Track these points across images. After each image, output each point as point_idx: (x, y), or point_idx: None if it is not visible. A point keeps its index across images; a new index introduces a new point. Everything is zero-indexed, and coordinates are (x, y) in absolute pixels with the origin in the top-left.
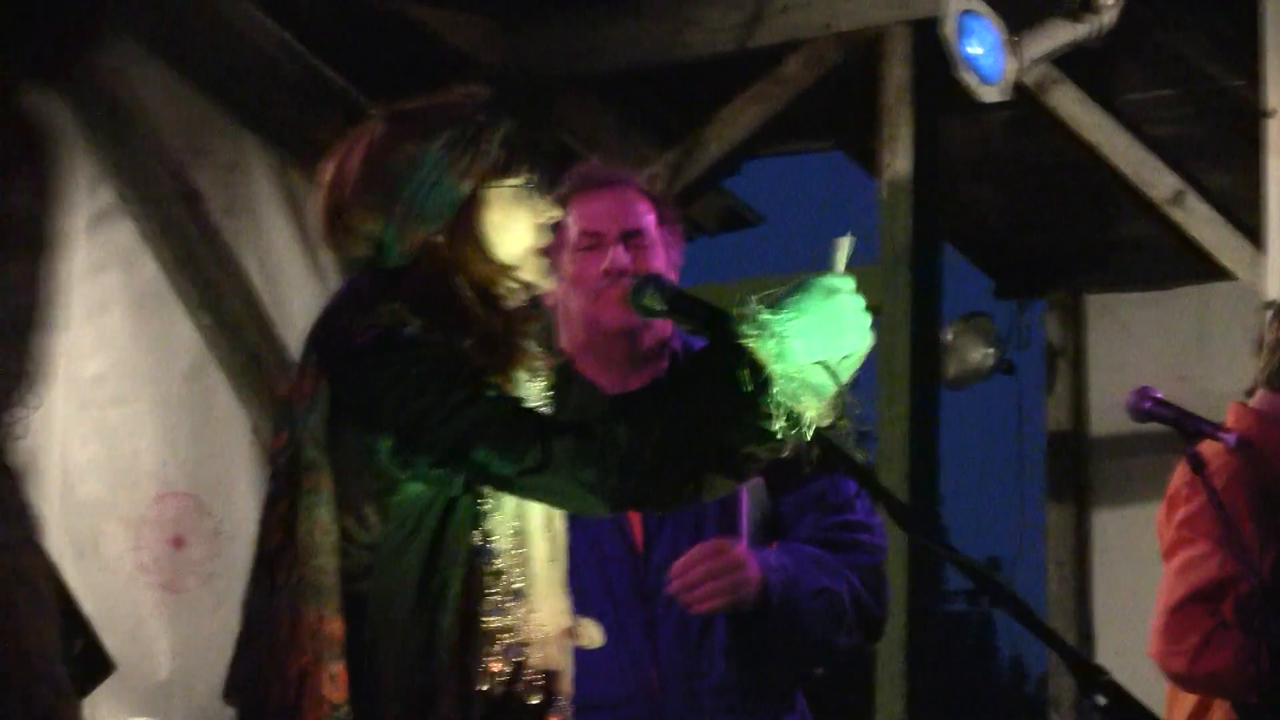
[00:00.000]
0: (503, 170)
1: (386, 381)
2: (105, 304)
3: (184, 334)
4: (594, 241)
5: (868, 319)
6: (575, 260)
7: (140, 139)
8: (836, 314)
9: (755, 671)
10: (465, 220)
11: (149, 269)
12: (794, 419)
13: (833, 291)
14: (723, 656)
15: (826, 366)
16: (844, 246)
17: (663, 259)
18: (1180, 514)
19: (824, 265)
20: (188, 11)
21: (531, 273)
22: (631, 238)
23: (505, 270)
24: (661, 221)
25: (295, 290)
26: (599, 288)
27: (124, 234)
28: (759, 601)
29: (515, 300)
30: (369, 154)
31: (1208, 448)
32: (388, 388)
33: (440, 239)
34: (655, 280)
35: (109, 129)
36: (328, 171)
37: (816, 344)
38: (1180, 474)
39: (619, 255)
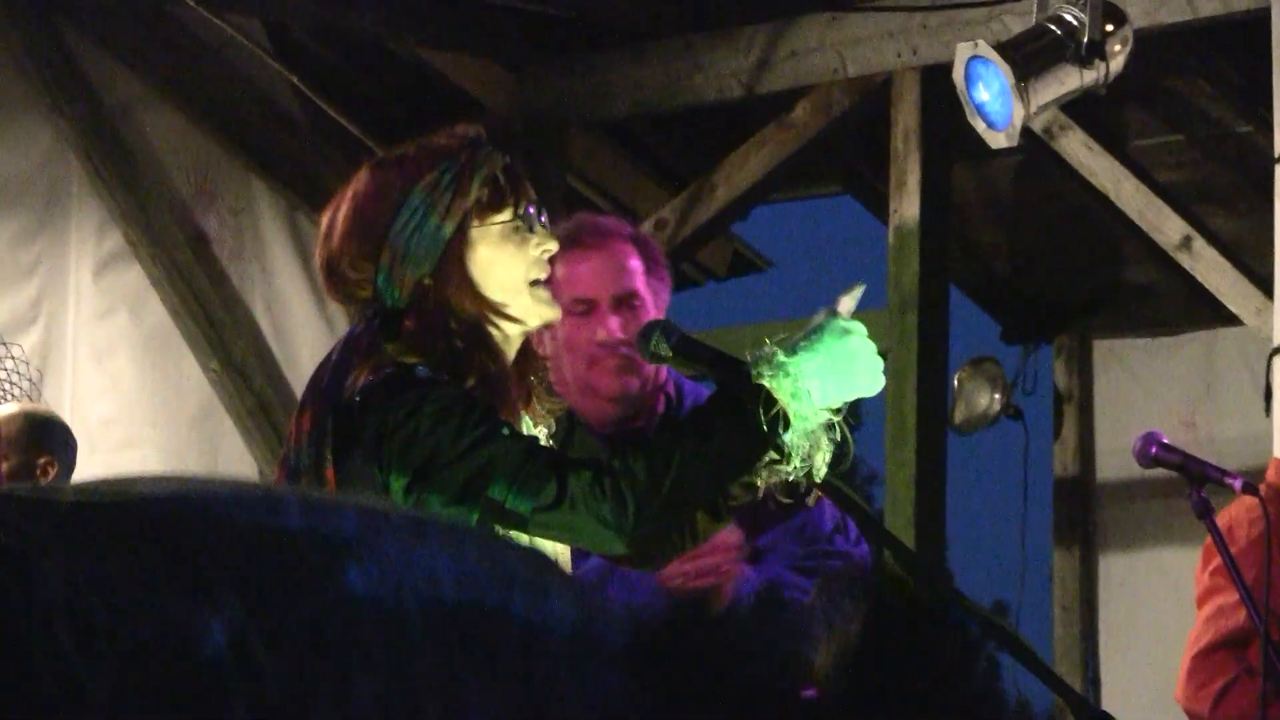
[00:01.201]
0: (488, 209)
1: (399, 419)
2: (113, 348)
3: (192, 378)
4: (586, 308)
5: (880, 362)
6: (567, 325)
7: (149, 183)
8: (851, 356)
9: None
10: (453, 261)
11: (157, 313)
12: (806, 460)
13: (846, 333)
14: None
15: (839, 409)
16: (854, 293)
17: (653, 313)
18: (1214, 563)
19: (832, 309)
20: (197, 55)
21: (525, 310)
22: (623, 302)
23: (496, 309)
24: (650, 272)
25: (303, 334)
26: (594, 355)
27: (132, 278)
28: None
29: (514, 338)
30: (356, 202)
31: (1240, 502)
32: (399, 425)
33: (429, 281)
34: (662, 326)
35: (117, 172)
36: (323, 223)
37: (831, 386)
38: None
39: (612, 326)
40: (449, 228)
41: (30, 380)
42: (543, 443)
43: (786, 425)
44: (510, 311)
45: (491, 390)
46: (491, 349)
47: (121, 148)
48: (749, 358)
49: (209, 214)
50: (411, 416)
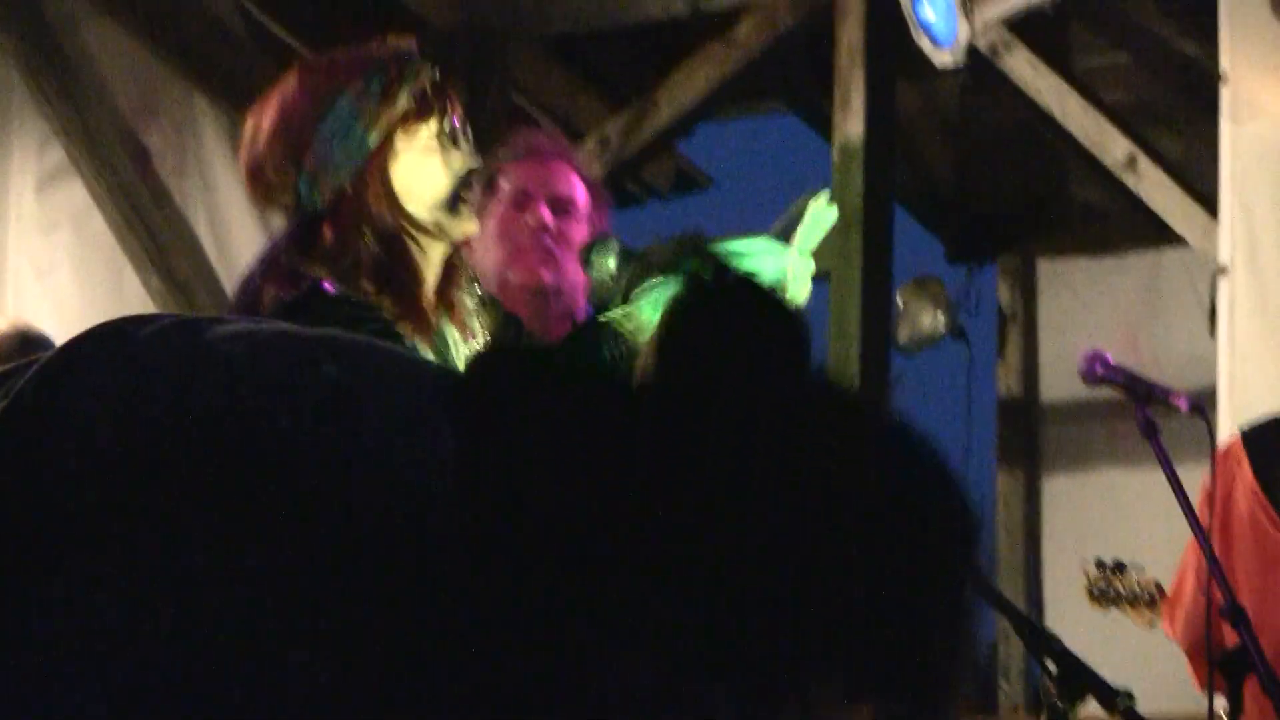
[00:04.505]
0: (414, 120)
1: None
2: (55, 264)
3: (134, 294)
4: (523, 200)
5: (807, 275)
6: (501, 215)
7: (91, 98)
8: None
9: None
10: (375, 170)
11: (99, 229)
12: None
13: (767, 251)
14: None
15: None
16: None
17: (586, 234)
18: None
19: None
20: None
21: (443, 223)
22: (561, 204)
23: (414, 221)
24: (593, 204)
25: (245, 250)
26: (519, 242)
27: (74, 194)
28: None
29: (432, 252)
30: (282, 106)
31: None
32: None
33: (350, 188)
34: (607, 241)
35: (59, 87)
36: (248, 127)
37: None
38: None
39: (545, 213)
40: (374, 137)
41: None
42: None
43: None
44: (428, 225)
45: (401, 303)
46: (407, 261)
47: (63, 63)
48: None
49: (151, 129)
50: None
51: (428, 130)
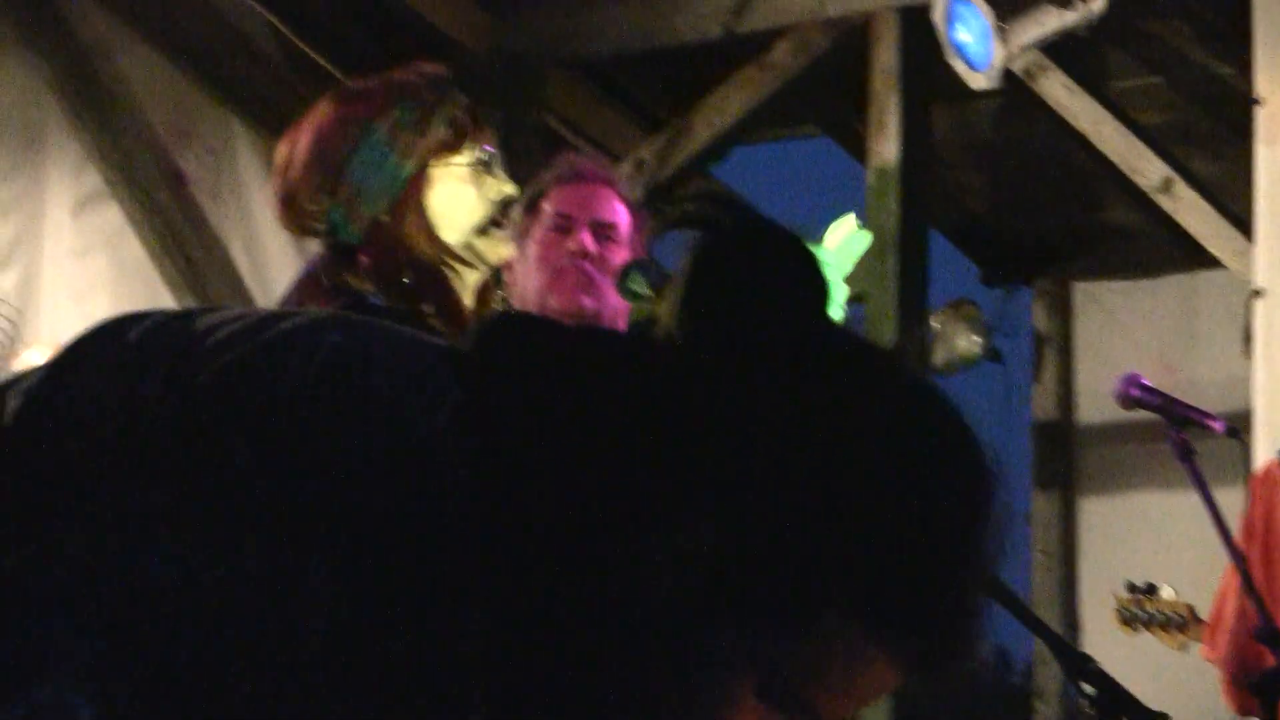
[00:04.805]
0: (449, 149)
1: None
2: (91, 287)
3: None
4: (565, 224)
5: (841, 292)
6: (543, 240)
7: (126, 122)
8: None
9: None
10: (411, 200)
11: (135, 252)
12: None
13: None
14: None
15: None
16: (842, 225)
17: (628, 257)
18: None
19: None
20: None
21: (480, 252)
22: (602, 229)
23: (451, 251)
24: (635, 228)
25: (280, 273)
26: (560, 266)
27: (110, 217)
28: None
29: (469, 278)
30: (316, 134)
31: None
32: None
33: (386, 218)
34: (640, 264)
35: (95, 112)
36: (280, 154)
37: None
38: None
39: (586, 239)
40: (409, 166)
41: (9, 319)
42: None
43: None
44: (465, 254)
45: (449, 326)
46: (446, 288)
47: (99, 87)
48: None
49: (186, 153)
50: None
51: (462, 159)
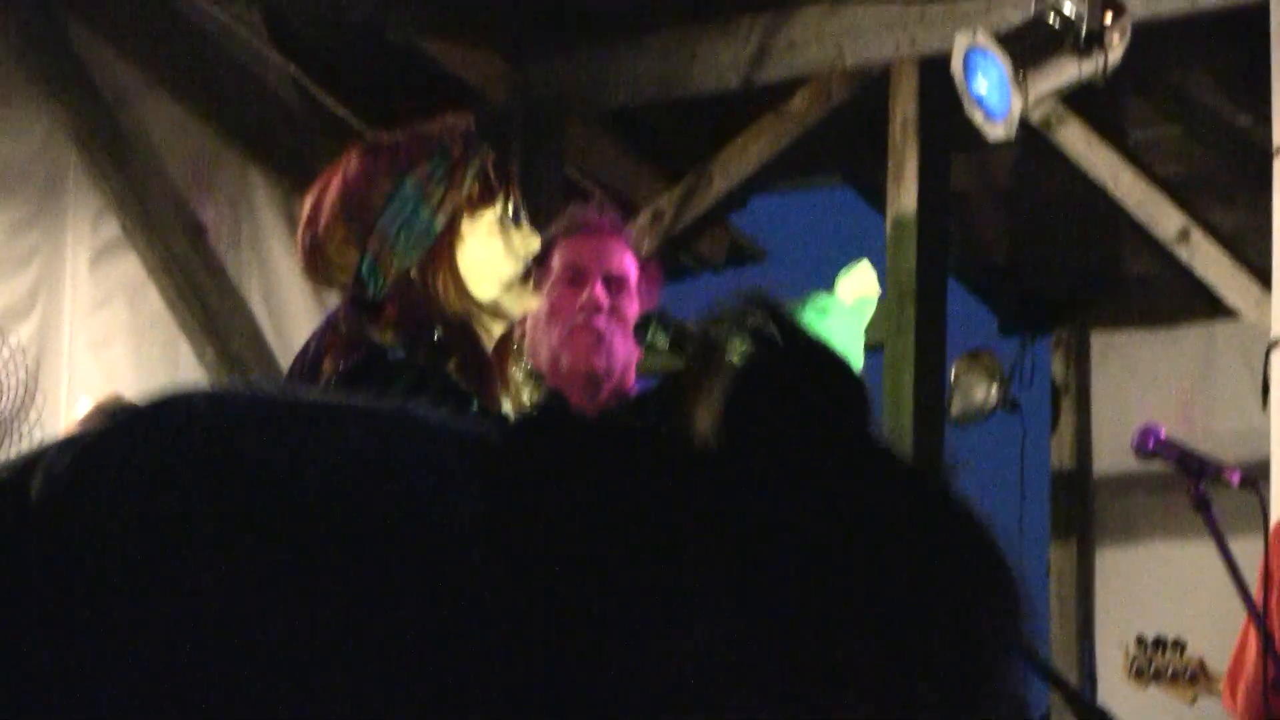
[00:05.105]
0: (478, 203)
1: None
2: (109, 337)
3: (188, 367)
4: (577, 277)
5: (859, 341)
6: (555, 293)
7: (145, 171)
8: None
9: None
10: (440, 253)
11: (153, 302)
12: None
13: (823, 311)
14: None
15: None
16: (854, 271)
17: (637, 309)
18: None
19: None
20: (195, 44)
21: (508, 304)
22: (615, 281)
23: (480, 305)
24: (642, 275)
25: (299, 324)
26: (574, 322)
27: (128, 267)
28: None
29: (494, 330)
30: (345, 186)
31: None
32: None
33: (415, 272)
34: (659, 317)
35: (114, 161)
36: (307, 205)
37: None
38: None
39: (599, 292)
40: (441, 220)
41: (26, 370)
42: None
43: None
44: (494, 308)
45: (476, 379)
46: (474, 342)
47: (118, 136)
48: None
49: (206, 203)
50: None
51: (492, 213)
